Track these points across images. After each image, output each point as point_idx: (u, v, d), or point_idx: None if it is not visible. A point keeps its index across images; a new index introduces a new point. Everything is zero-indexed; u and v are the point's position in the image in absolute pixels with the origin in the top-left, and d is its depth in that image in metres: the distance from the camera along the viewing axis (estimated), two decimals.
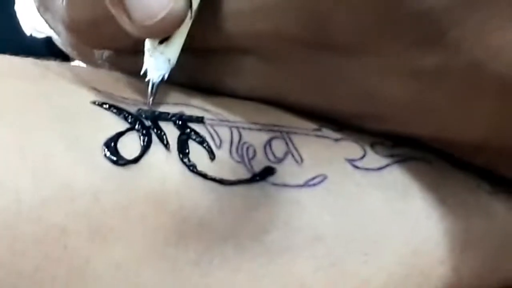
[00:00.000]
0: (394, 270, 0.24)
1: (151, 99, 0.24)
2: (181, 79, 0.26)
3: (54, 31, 0.31)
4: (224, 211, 0.22)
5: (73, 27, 0.26)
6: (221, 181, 0.23)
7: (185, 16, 0.23)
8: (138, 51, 0.25)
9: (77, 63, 0.32)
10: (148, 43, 0.24)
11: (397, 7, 0.22)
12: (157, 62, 0.24)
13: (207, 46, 0.26)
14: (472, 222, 0.26)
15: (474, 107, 0.24)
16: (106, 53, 0.28)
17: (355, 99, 0.25)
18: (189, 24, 0.24)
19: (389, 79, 0.24)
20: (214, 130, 0.24)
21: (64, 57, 0.30)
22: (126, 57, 0.27)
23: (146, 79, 0.24)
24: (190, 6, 0.23)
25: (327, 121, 0.26)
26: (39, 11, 0.30)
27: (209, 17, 0.24)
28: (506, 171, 0.27)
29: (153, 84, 0.24)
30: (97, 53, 0.29)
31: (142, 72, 0.24)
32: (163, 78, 0.24)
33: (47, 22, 0.30)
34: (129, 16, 0.22)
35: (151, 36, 0.24)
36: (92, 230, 0.21)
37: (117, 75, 0.26)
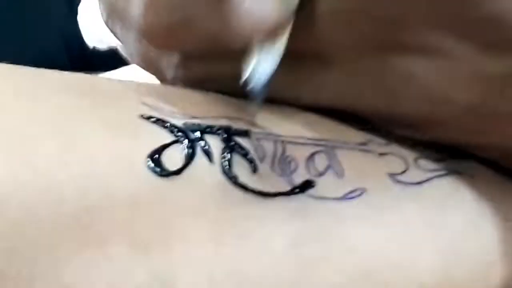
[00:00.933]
0: (426, 281, 0.24)
1: (260, 96, 0.24)
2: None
3: (122, 41, 0.32)
4: (262, 222, 0.23)
5: (150, 32, 0.27)
6: (261, 193, 0.23)
7: (290, 21, 0.24)
8: (206, 56, 0.26)
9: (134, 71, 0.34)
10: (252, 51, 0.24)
11: (473, 9, 0.23)
12: (261, 63, 0.24)
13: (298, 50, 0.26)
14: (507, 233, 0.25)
15: None
16: (175, 58, 0.29)
17: (419, 102, 0.25)
18: (291, 23, 0.24)
19: (457, 82, 0.24)
20: (259, 143, 0.25)
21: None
22: (197, 61, 0.28)
23: (253, 80, 0.24)
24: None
25: (376, 135, 0.26)
26: (107, 24, 0.32)
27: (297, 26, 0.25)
28: None
29: (259, 88, 0.24)
30: (166, 60, 0.30)
31: (246, 76, 0.24)
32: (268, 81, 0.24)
33: (115, 34, 0.32)
34: (236, 30, 0.23)
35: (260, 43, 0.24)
36: (132, 240, 0.21)
37: (166, 88, 0.27)
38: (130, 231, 0.21)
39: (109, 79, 0.26)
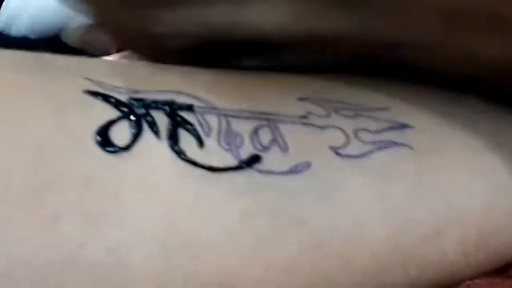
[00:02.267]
0: (377, 249, 0.25)
1: None
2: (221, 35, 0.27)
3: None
4: (213, 197, 0.23)
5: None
6: (210, 168, 0.24)
7: None
8: None
9: None
10: None
11: None
12: None
13: None
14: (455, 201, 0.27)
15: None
16: None
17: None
18: None
19: None
20: (203, 118, 0.25)
21: None
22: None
23: None
24: None
25: (315, 105, 0.27)
26: None
27: None
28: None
29: None
30: None
31: None
32: None
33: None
34: None
35: None
36: (84, 216, 0.21)
37: (109, 62, 0.27)
38: (83, 207, 0.21)
39: (52, 55, 0.26)
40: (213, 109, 0.25)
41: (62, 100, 0.23)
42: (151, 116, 0.24)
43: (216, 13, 0.28)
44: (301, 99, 0.28)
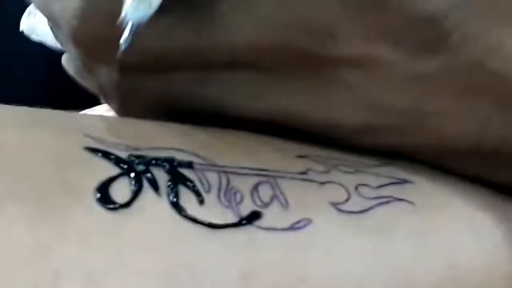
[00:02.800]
0: None
1: (128, 38, 0.24)
2: (181, 103, 0.27)
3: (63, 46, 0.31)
4: (213, 254, 0.23)
5: (83, 44, 0.27)
6: (210, 225, 0.24)
7: None
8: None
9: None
10: None
11: (399, 15, 0.24)
12: (138, 6, 0.24)
13: (210, 61, 0.26)
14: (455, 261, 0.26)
15: (472, 108, 0.25)
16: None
17: (358, 110, 0.26)
18: None
19: (392, 87, 0.25)
20: (203, 175, 0.25)
21: None
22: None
23: (126, 20, 0.24)
24: None
25: (315, 162, 0.27)
26: (49, 26, 0.31)
27: (215, 30, 0.25)
28: (496, 174, 0.28)
29: (132, 26, 0.24)
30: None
31: (121, 16, 0.24)
32: (141, 23, 0.24)
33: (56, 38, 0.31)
34: None
35: None
36: (86, 274, 0.21)
37: (110, 118, 0.27)
38: (83, 265, 0.21)
39: (52, 111, 0.26)
40: (212, 166, 0.25)
41: (62, 157, 0.23)
42: (151, 173, 0.24)
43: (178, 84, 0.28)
44: (300, 157, 0.28)
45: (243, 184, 0.25)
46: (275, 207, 0.25)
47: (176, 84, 0.28)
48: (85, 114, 0.27)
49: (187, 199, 0.24)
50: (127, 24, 0.24)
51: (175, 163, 0.25)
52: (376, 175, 0.28)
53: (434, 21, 0.23)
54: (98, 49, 0.27)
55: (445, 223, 0.27)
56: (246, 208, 0.25)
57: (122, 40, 0.24)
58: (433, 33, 0.24)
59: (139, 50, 0.26)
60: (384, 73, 0.25)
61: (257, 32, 0.25)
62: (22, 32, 0.37)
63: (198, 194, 0.24)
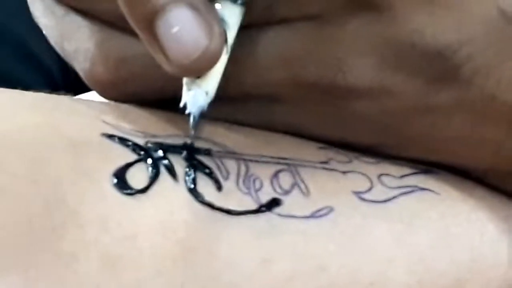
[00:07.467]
0: None
1: (193, 132, 0.24)
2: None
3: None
4: (231, 241, 0.23)
5: (97, 84, 0.27)
6: (228, 211, 0.23)
7: (221, 53, 0.23)
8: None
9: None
10: (185, 78, 0.24)
11: (411, 49, 0.23)
12: (196, 96, 0.24)
13: (235, 94, 0.26)
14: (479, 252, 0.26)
15: (484, 137, 0.25)
16: None
17: (371, 133, 0.26)
18: (226, 59, 0.24)
19: (404, 116, 0.25)
20: (221, 162, 0.24)
21: None
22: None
23: (186, 112, 0.24)
24: (226, 41, 0.24)
25: (336, 153, 0.27)
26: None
27: (234, 67, 0.25)
28: None
29: (194, 118, 0.24)
30: None
31: (181, 105, 0.24)
32: (202, 111, 0.24)
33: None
34: (166, 56, 0.22)
35: (189, 74, 0.24)
36: (102, 257, 0.21)
37: (126, 107, 0.27)
38: (100, 248, 0.21)
39: (70, 97, 0.26)
40: (231, 153, 0.25)
41: (80, 142, 0.23)
42: (168, 159, 0.24)
43: None
44: (322, 148, 0.27)
45: (263, 172, 0.25)
46: (295, 195, 0.24)
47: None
48: (102, 102, 0.27)
49: (205, 186, 0.23)
50: (188, 112, 0.24)
51: (193, 150, 0.25)
52: (398, 165, 0.27)
53: (443, 55, 0.23)
54: (109, 90, 0.27)
55: (468, 214, 0.26)
56: (266, 195, 0.24)
57: (190, 127, 0.24)
58: (443, 67, 0.24)
59: None
60: (396, 103, 0.25)
61: (267, 68, 0.25)
62: None
63: (216, 180, 0.24)
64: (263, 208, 0.24)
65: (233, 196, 0.24)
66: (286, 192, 0.24)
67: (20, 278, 0.20)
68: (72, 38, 0.27)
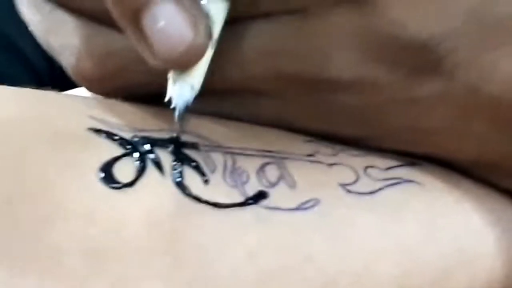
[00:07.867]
0: None
1: (178, 126, 0.24)
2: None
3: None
4: (218, 233, 0.23)
5: (83, 79, 0.27)
6: (215, 204, 0.23)
7: (206, 47, 0.24)
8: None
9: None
10: (171, 72, 0.24)
11: (394, 41, 0.23)
12: (181, 90, 0.24)
13: (220, 87, 0.26)
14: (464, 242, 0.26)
15: (468, 128, 0.25)
16: None
17: (356, 125, 0.26)
18: (211, 53, 0.24)
19: (388, 108, 0.25)
20: (208, 156, 0.25)
21: None
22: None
23: (172, 106, 0.24)
24: (211, 35, 0.24)
25: (322, 146, 0.27)
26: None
27: (219, 61, 0.25)
28: (499, 182, 0.27)
29: (179, 111, 0.24)
30: None
31: (166, 100, 0.24)
32: (188, 105, 0.24)
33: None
34: (151, 50, 0.23)
35: (175, 67, 0.24)
36: (87, 250, 0.21)
37: (113, 102, 0.27)
38: (85, 241, 0.21)
39: (56, 92, 0.26)
40: (218, 147, 0.25)
41: (65, 136, 0.23)
42: (155, 153, 0.24)
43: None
44: (308, 141, 0.27)
45: (249, 165, 0.25)
46: (282, 188, 0.24)
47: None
48: (89, 96, 0.27)
49: (192, 179, 0.24)
50: (174, 106, 0.24)
51: (179, 144, 0.25)
52: (384, 158, 0.27)
53: (426, 48, 0.23)
54: (95, 85, 0.27)
55: (455, 206, 0.27)
56: (252, 188, 0.24)
57: (176, 121, 0.24)
58: (426, 59, 0.24)
59: None
60: (380, 95, 0.25)
61: (251, 63, 0.25)
62: None
63: (202, 174, 0.24)
64: (250, 201, 0.24)
65: (220, 189, 0.24)
66: (273, 185, 0.24)
67: (6, 271, 0.20)
68: (58, 34, 0.27)
